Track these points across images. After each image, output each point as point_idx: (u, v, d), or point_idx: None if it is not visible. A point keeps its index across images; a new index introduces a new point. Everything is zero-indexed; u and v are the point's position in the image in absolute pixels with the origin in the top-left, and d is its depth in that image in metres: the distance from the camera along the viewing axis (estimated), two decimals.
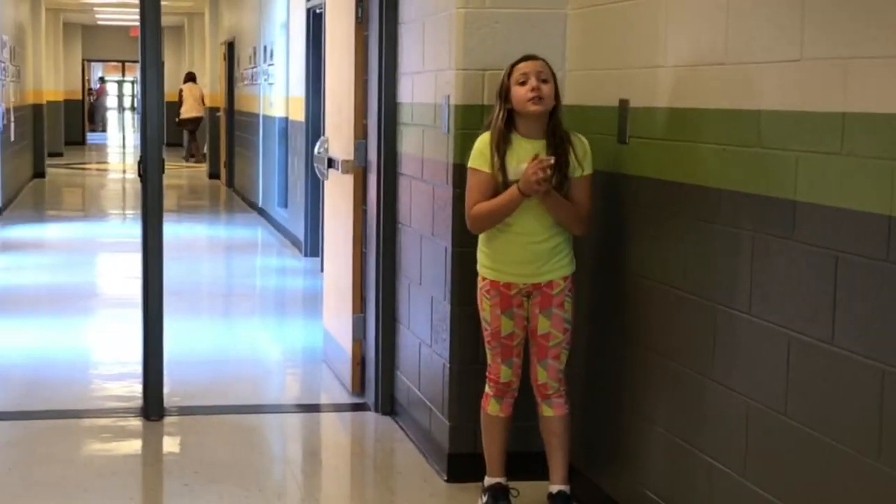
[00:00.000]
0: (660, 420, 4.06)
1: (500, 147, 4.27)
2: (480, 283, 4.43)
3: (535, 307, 4.35)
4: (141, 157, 5.84)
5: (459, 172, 4.74)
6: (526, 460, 4.66)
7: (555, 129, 4.28)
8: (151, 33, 5.78)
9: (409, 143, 5.57)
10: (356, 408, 6.10)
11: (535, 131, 4.28)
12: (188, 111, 24.50)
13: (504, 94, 4.29)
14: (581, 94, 4.67)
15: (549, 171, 4.14)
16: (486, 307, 4.41)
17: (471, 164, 4.36)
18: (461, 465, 4.87)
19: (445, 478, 4.96)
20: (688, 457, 3.84)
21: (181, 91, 24.73)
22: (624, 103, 4.30)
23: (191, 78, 24.81)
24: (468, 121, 4.77)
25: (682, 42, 3.89)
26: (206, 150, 22.34)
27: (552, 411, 4.40)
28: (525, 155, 4.21)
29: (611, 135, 4.39)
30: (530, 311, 4.37)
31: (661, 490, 4.05)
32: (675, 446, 3.94)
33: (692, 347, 3.81)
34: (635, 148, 4.24)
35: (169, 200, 16.76)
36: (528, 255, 4.33)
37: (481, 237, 4.43)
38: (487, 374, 4.48)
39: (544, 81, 4.25)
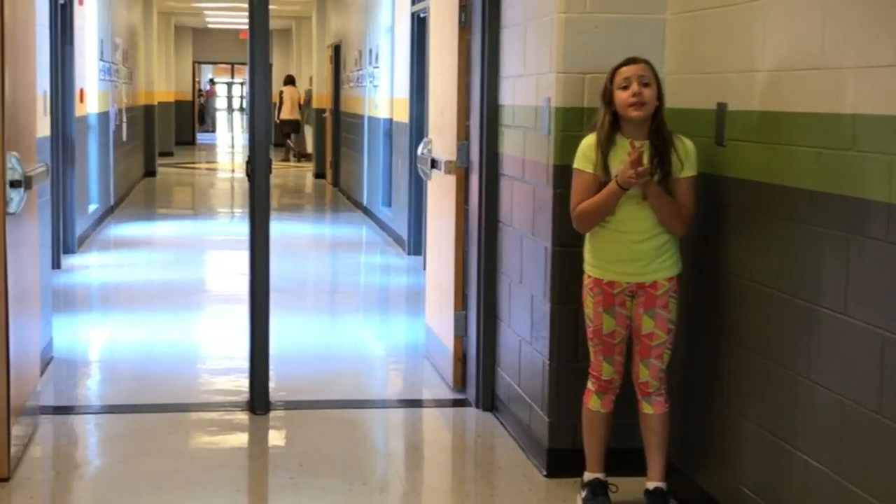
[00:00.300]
0: (755, 417, 4.09)
1: (605, 148, 4.36)
2: (585, 281, 4.51)
3: (640, 307, 4.41)
4: (249, 157, 6.01)
5: (559, 173, 4.83)
6: (625, 456, 4.71)
7: (658, 129, 4.34)
8: (260, 37, 5.93)
9: (510, 145, 5.66)
10: (457, 403, 6.19)
11: (639, 133, 4.35)
12: (287, 113, 25.10)
13: (608, 97, 4.37)
14: (679, 98, 4.72)
15: (643, 161, 4.22)
16: (589, 304, 4.48)
17: (575, 165, 4.45)
18: (560, 460, 4.94)
19: (545, 473, 5.04)
20: (783, 454, 3.87)
21: (281, 93, 25.12)
22: (722, 106, 4.34)
23: (290, 81, 25.22)
24: (568, 123, 4.85)
25: (780, 46, 3.93)
26: (311, 150, 22.62)
27: (652, 409, 4.46)
28: (627, 156, 4.28)
29: (708, 137, 4.43)
30: (634, 311, 4.42)
31: (756, 487, 4.09)
32: (770, 444, 3.97)
33: (787, 346, 3.85)
34: (733, 150, 4.28)
35: (276, 199, 17.05)
36: (632, 254, 4.39)
37: (587, 236, 4.50)
38: (590, 370, 4.55)
39: (646, 85, 4.31)
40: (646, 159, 4.27)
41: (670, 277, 4.39)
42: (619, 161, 4.31)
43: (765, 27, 4.04)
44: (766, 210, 4.01)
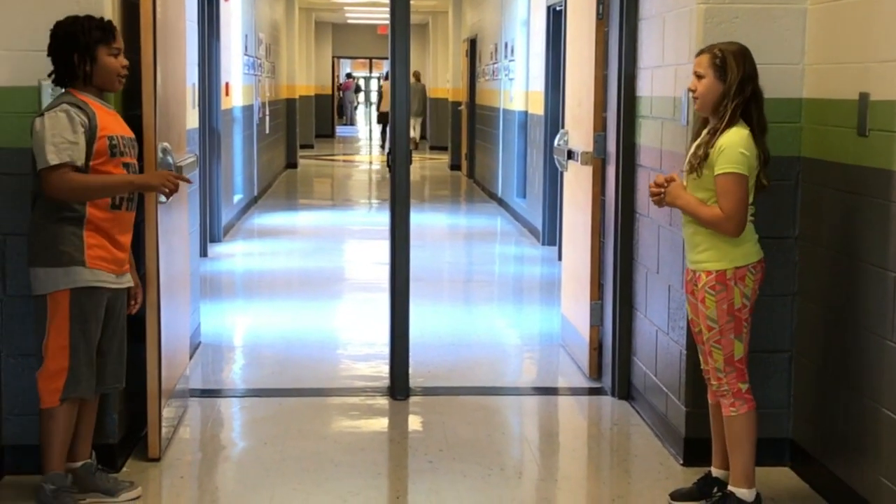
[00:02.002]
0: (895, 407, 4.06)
1: (693, 135, 4.43)
2: None
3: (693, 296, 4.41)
4: (390, 148, 6.13)
5: None
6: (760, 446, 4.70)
7: (722, 116, 4.25)
8: (401, 32, 6.05)
9: (648, 136, 5.67)
10: (593, 392, 6.23)
11: (712, 120, 4.31)
12: (386, 106, 25.49)
13: None
14: (820, 88, 4.68)
15: (655, 188, 4.32)
16: None
17: None
18: (697, 449, 4.94)
19: (682, 462, 5.06)
20: None
21: (381, 88, 25.58)
22: (864, 96, 4.30)
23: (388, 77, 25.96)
24: None
25: None
26: (448, 142, 22.79)
27: (722, 410, 4.38)
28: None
29: (850, 127, 4.39)
30: None
31: None
32: None
33: None
34: (875, 141, 4.23)
35: (413, 190, 17.21)
36: (685, 238, 4.43)
37: None
38: None
39: (700, 77, 4.28)
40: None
41: (709, 272, 4.27)
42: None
43: None
44: None
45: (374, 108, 45.78)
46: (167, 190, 4.44)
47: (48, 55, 4.35)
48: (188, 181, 4.46)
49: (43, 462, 4.39)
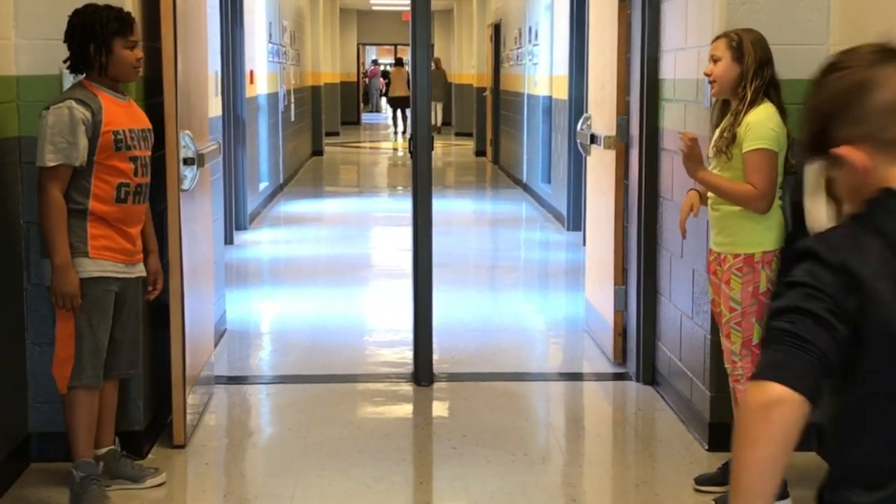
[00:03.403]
0: None
1: (713, 121, 4.42)
2: None
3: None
4: (412, 135, 6.13)
5: None
6: None
7: (742, 97, 4.24)
8: (422, 18, 6.04)
9: (671, 119, 5.64)
10: (617, 377, 6.22)
11: (734, 103, 4.30)
12: (395, 91, 28.09)
13: None
14: None
15: (689, 146, 4.25)
16: None
17: None
18: (722, 434, 4.90)
19: (706, 447, 5.04)
20: None
21: (389, 73, 28.26)
22: None
23: (399, 63, 28.75)
24: None
25: None
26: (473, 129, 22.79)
27: (737, 395, 4.33)
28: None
29: None
30: None
31: None
32: None
33: None
34: None
35: (438, 177, 17.21)
36: (711, 220, 4.41)
37: None
38: None
39: (717, 60, 4.27)
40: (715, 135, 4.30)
41: (736, 254, 4.26)
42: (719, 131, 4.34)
43: None
44: None
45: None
46: (60, 302, 4.30)
47: (64, 41, 4.36)
48: (77, 313, 4.36)
49: (71, 449, 4.41)
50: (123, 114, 4.38)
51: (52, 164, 4.18)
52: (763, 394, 1.75)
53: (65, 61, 4.38)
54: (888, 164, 1.87)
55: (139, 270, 4.52)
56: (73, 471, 4.38)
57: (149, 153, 4.49)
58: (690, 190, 4.61)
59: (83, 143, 4.21)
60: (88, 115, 4.23)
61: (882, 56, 1.91)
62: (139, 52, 4.42)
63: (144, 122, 4.51)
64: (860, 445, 1.84)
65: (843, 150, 1.88)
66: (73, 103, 4.22)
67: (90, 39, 4.30)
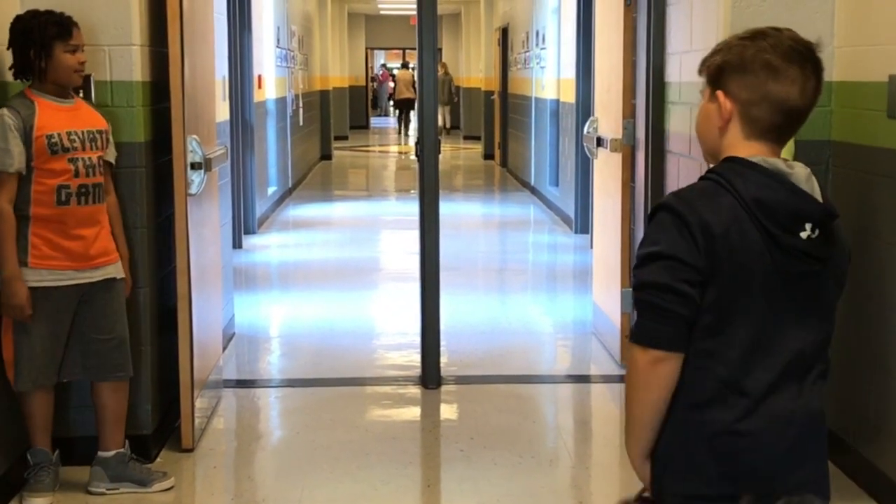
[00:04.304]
0: None
1: None
2: None
3: None
4: (418, 138, 6.14)
5: None
6: None
7: None
8: (428, 21, 6.06)
9: (677, 122, 5.65)
10: (625, 379, 6.20)
11: None
12: (401, 93, 29.44)
13: None
14: (849, 70, 4.65)
15: None
16: None
17: None
18: None
19: None
20: None
21: (394, 76, 30.31)
22: (893, 79, 4.26)
23: (404, 66, 30.58)
24: None
25: None
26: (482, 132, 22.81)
27: None
28: None
29: (879, 110, 4.36)
30: None
31: None
32: None
33: None
34: None
35: (446, 180, 17.23)
36: None
37: None
38: None
39: None
40: None
41: None
42: None
43: None
44: None
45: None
46: (10, 313, 4.33)
47: (7, 48, 4.38)
48: (28, 322, 4.40)
49: (29, 438, 4.51)
50: (64, 117, 4.38)
51: None
52: (648, 355, 2.20)
53: (10, 68, 4.40)
54: (741, 135, 2.24)
55: (106, 273, 4.51)
56: (28, 457, 4.49)
57: (97, 153, 4.47)
58: None
59: (17, 149, 4.23)
60: (20, 121, 4.25)
61: (795, 53, 2.19)
62: (81, 56, 4.42)
63: (95, 123, 4.50)
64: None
65: (721, 95, 2.26)
66: (5, 111, 4.26)
67: (30, 45, 4.32)
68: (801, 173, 2.20)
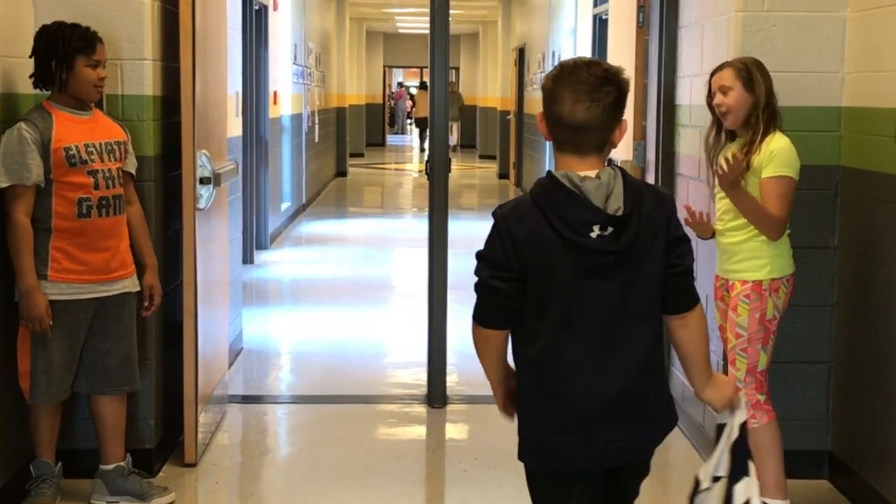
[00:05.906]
0: None
1: (709, 151, 4.42)
2: None
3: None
4: (429, 157, 6.14)
5: None
6: (798, 458, 4.66)
7: (754, 126, 4.22)
8: (440, 40, 6.06)
9: (687, 144, 5.64)
10: None
11: (741, 133, 4.29)
12: (420, 112, 30.57)
13: (709, 102, 4.37)
14: (860, 96, 4.64)
15: (730, 162, 4.15)
16: None
17: None
18: None
19: None
20: None
21: (413, 96, 32.26)
22: None
23: (423, 86, 31.16)
24: None
25: None
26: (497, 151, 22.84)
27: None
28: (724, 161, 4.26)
29: (888, 136, 4.35)
30: None
31: None
32: None
33: None
34: None
35: (461, 199, 17.25)
36: (718, 248, 4.41)
37: None
38: None
39: (726, 91, 4.24)
40: (729, 154, 4.24)
41: (745, 281, 4.24)
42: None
43: None
44: None
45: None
46: (29, 325, 4.34)
47: (30, 56, 4.41)
48: (48, 333, 4.41)
49: (34, 449, 4.52)
50: (82, 129, 4.40)
51: (4, 185, 4.24)
52: (483, 332, 2.85)
53: (30, 77, 4.42)
54: (559, 154, 2.77)
55: (123, 286, 4.52)
56: (31, 468, 4.49)
57: (116, 164, 4.48)
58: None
59: (34, 162, 4.25)
60: (37, 134, 4.27)
61: (561, 77, 2.71)
62: (102, 72, 4.45)
63: (113, 135, 4.52)
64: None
65: (539, 118, 2.80)
66: (23, 124, 4.28)
67: (52, 56, 4.34)
68: (590, 186, 2.67)
